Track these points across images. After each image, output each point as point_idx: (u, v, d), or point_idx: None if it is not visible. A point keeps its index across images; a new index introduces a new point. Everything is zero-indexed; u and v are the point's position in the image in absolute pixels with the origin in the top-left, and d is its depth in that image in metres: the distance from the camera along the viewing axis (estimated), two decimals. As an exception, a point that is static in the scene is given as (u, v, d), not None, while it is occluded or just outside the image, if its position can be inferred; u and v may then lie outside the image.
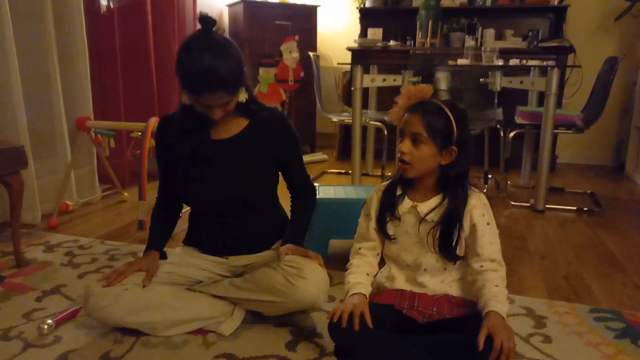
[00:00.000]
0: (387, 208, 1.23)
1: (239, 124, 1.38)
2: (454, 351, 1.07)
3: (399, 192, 1.22)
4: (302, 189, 1.52)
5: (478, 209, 1.17)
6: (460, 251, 1.19)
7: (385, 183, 1.27)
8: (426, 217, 1.18)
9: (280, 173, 1.47)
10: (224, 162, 1.35)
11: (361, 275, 1.24)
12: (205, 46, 1.19)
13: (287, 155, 1.43)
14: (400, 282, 1.25)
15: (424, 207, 1.19)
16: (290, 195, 1.54)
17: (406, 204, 1.21)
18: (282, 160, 1.42)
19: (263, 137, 1.38)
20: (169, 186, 1.45)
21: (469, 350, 1.04)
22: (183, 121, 1.35)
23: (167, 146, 1.40)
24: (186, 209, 1.50)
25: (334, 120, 3.34)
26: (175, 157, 1.38)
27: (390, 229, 1.23)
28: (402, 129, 1.17)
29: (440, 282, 1.22)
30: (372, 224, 1.26)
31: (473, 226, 1.17)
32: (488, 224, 1.17)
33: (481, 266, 1.17)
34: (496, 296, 1.11)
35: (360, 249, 1.29)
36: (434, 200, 1.19)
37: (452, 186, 1.17)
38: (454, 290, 1.22)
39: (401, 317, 1.18)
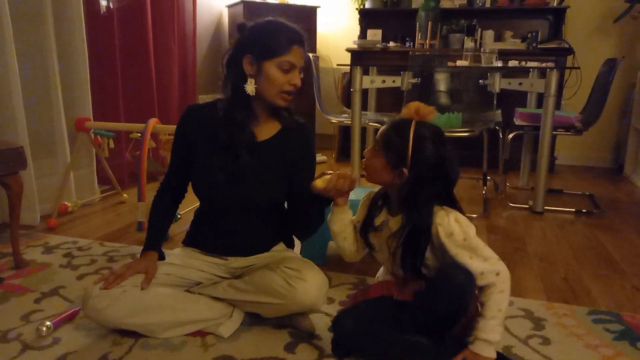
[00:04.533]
0: (370, 217, 1.25)
1: (270, 129, 1.38)
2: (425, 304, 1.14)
3: (379, 203, 1.25)
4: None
5: (443, 227, 1.12)
6: (433, 268, 1.17)
7: (376, 190, 1.30)
8: (394, 233, 1.17)
9: None
10: (249, 163, 1.34)
11: None
12: None
13: (299, 172, 1.38)
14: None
15: (393, 222, 1.19)
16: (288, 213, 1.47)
17: (382, 216, 1.23)
18: (292, 175, 1.39)
19: (288, 146, 1.37)
20: (178, 175, 1.44)
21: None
22: (237, 114, 1.31)
23: (190, 135, 1.38)
24: (185, 210, 1.50)
25: (333, 121, 3.35)
26: (197, 147, 1.36)
27: (373, 238, 1.26)
28: None
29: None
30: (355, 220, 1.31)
31: (441, 246, 1.13)
32: (465, 239, 1.11)
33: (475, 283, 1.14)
34: (489, 331, 1.10)
35: None
36: (402, 217, 1.17)
37: (407, 208, 1.14)
38: None
39: (393, 303, 1.21)
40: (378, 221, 1.23)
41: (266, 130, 1.38)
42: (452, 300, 1.11)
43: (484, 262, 1.12)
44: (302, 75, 1.34)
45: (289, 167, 1.38)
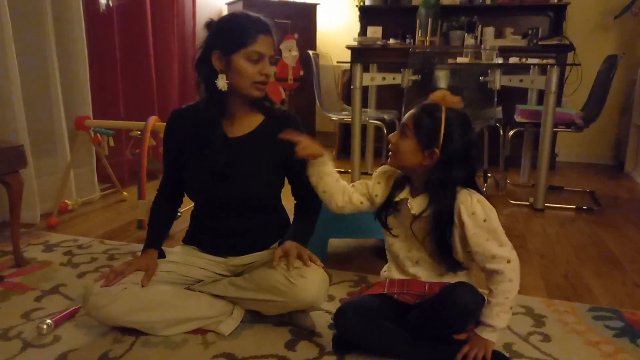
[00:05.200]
0: (391, 198, 1.25)
1: (253, 121, 1.38)
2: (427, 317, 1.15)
3: (402, 183, 1.25)
4: (308, 197, 1.47)
5: (466, 205, 1.14)
6: (458, 255, 1.19)
7: (391, 171, 1.29)
8: (419, 215, 1.18)
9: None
10: (236, 160, 1.34)
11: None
12: None
13: (295, 161, 1.38)
14: (395, 274, 1.28)
15: (414, 203, 1.19)
16: (295, 201, 1.50)
17: (403, 194, 1.23)
18: (289, 162, 1.39)
19: (275, 137, 1.36)
20: (172, 180, 1.44)
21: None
22: (207, 112, 1.32)
23: (177, 139, 1.39)
24: (185, 208, 1.50)
25: (334, 118, 3.34)
26: (184, 151, 1.37)
27: (390, 220, 1.26)
28: None
29: (436, 275, 1.23)
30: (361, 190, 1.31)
31: (461, 225, 1.15)
32: (485, 220, 1.13)
33: (484, 267, 1.15)
34: (494, 317, 1.11)
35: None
36: (424, 198, 1.18)
37: (433, 191, 1.16)
38: (449, 279, 1.21)
39: (393, 303, 1.21)
40: (398, 197, 1.23)
41: (248, 123, 1.37)
42: (455, 322, 1.12)
43: (499, 247, 1.13)
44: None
45: (281, 156, 1.37)
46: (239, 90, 1.29)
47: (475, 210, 1.13)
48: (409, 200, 1.20)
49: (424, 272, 1.23)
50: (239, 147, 1.35)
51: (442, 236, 1.16)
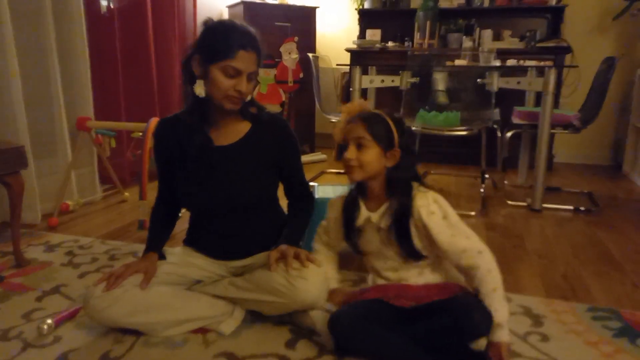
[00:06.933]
0: (351, 223, 1.29)
1: (241, 129, 1.38)
2: (439, 336, 1.15)
3: (354, 204, 1.29)
4: (300, 196, 1.50)
5: (425, 208, 1.18)
6: (422, 249, 1.23)
7: (341, 198, 1.34)
8: (381, 226, 1.23)
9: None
10: (226, 168, 1.35)
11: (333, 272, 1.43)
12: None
13: (287, 161, 1.42)
14: (383, 282, 1.32)
15: (376, 216, 1.24)
16: (287, 201, 1.52)
17: (362, 215, 1.27)
18: (281, 165, 1.42)
19: (265, 142, 1.38)
20: (167, 187, 1.45)
21: (451, 333, 1.13)
22: (189, 118, 1.32)
23: (166, 149, 1.40)
24: (185, 209, 1.51)
25: (333, 120, 3.35)
26: (174, 160, 1.38)
27: (360, 241, 1.30)
28: (346, 139, 1.23)
29: (418, 274, 1.26)
30: (333, 233, 1.40)
31: (425, 227, 1.18)
32: (444, 217, 1.18)
33: (459, 265, 1.18)
34: (493, 313, 1.12)
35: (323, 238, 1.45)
36: (384, 207, 1.23)
37: (400, 188, 1.21)
38: (436, 279, 1.26)
39: (390, 308, 1.22)
40: (360, 221, 1.26)
41: (235, 132, 1.37)
42: (465, 337, 1.14)
43: (466, 239, 1.17)
44: (251, 84, 1.29)
45: (271, 159, 1.38)
46: (213, 99, 1.29)
47: (433, 210, 1.18)
48: (371, 218, 1.24)
49: (406, 274, 1.26)
50: (226, 156, 1.35)
51: (402, 228, 1.20)
